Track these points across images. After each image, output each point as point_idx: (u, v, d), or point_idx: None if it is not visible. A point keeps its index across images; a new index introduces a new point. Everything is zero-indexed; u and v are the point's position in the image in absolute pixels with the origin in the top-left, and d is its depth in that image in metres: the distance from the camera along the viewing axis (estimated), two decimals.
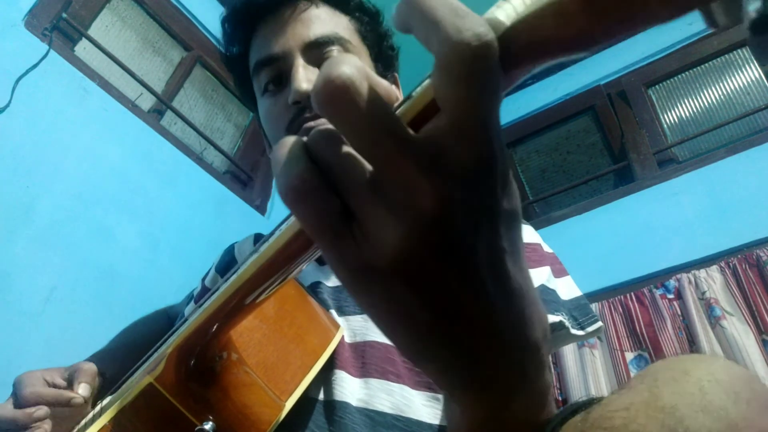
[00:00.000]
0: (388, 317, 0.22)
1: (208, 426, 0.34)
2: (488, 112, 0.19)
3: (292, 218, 0.24)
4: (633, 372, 1.99)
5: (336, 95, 0.19)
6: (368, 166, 0.20)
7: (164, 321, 0.80)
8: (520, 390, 0.22)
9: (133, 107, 2.00)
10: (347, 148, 0.20)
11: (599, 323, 0.57)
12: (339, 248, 0.20)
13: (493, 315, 0.21)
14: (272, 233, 0.26)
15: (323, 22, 0.61)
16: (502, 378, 0.22)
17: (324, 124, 0.21)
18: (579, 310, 0.57)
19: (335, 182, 0.20)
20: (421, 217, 0.19)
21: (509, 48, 0.19)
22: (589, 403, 0.21)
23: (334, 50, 0.59)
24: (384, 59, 0.68)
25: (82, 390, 0.49)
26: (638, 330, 2.04)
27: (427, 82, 0.20)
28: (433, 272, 0.20)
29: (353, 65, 0.19)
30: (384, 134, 0.19)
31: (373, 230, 0.20)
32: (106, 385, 0.52)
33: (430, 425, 0.47)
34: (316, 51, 0.59)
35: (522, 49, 0.19)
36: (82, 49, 1.92)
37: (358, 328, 0.55)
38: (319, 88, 0.19)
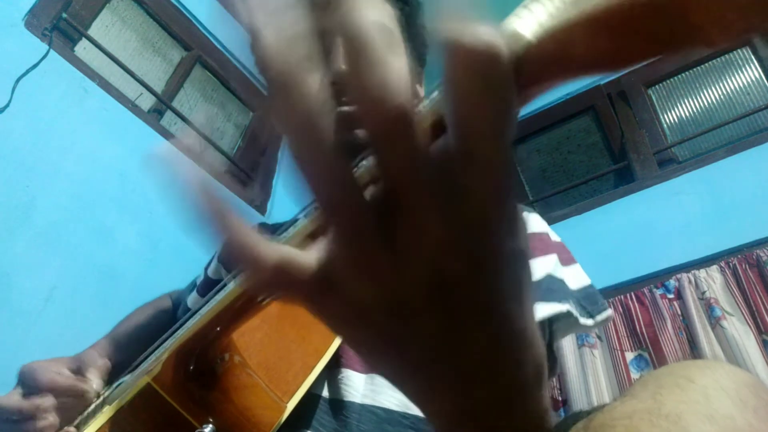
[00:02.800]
0: (377, 357, 0.21)
1: (207, 429, 0.34)
2: (500, 134, 0.16)
3: (299, 225, 0.22)
4: (633, 372, 1.99)
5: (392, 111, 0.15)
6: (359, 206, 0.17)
7: (167, 306, 0.80)
8: (510, 422, 0.21)
9: (133, 107, 1.99)
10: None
11: (609, 311, 0.56)
12: (329, 307, 0.19)
13: (483, 360, 0.19)
14: (282, 234, 0.24)
15: None
16: (490, 414, 0.20)
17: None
18: (588, 299, 0.56)
19: (325, 215, 0.18)
20: (424, 260, 0.17)
21: (529, 64, 0.16)
22: (591, 410, 0.21)
23: None
24: (418, 56, 0.64)
25: (97, 384, 0.48)
26: (638, 330, 2.04)
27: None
28: (428, 318, 0.18)
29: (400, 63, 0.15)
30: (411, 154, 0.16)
31: (372, 276, 0.18)
32: (112, 373, 0.52)
33: None
34: None
35: (545, 67, 0.16)
36: (82, 49, 1.92)
37: None
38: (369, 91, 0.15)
